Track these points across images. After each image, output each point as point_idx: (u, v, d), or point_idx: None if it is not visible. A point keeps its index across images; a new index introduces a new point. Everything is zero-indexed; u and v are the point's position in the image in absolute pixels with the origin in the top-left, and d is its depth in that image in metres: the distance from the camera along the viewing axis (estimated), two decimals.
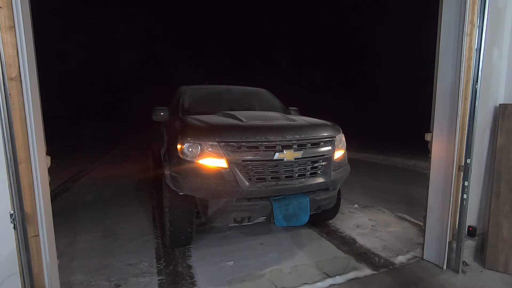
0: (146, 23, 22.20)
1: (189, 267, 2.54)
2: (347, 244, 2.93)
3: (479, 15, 2.17)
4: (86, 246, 2.94)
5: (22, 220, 1.53)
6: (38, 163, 1.59)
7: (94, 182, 5.75)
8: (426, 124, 2.59)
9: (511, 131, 2.39)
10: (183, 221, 2.70)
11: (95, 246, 2.94)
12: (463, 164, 2.30)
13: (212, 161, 2.40)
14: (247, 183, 2.36)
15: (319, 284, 2.26)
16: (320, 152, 2.64)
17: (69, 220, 3.58)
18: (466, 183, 2.28)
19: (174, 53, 23.30)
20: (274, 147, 2.45)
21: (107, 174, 6.51)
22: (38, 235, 1.63)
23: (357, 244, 2.94)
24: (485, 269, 2.44)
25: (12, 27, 1.46)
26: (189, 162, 2.43)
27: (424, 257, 2.60)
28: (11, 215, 1.51)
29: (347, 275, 2.35)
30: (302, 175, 2.55)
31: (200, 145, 2.41)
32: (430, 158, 2.53)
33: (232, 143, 2.39)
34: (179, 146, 2.49)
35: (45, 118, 1.74)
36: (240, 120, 2.71)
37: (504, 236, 2.40)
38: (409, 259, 2.62)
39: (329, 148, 2.71)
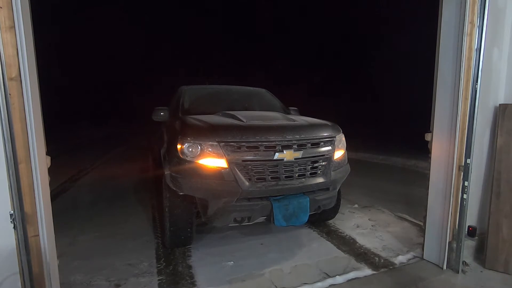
0: (146, 23, 22.24)
1: (189, 267, 2.54)
2: (347, 244, 2.93)
3: (479, 15, 2.17)
4: (86, 246, 2.94)
5: (22, 220, 1.53)
6: (38, 163, 1.59)
7: (94, 182, 5.75)
8: (426, 124, 2.59)
9: (511, 131, 2.39)
10: (183, 221, 2.70)
11: (95, 246, 2.94)
12: (463, 164, 2.30)
13: (212, 161, 2.39)
14: (247, 183, 2.36)
15: (319, 284, 2.26)
16: (320, 152, 2.64)
17: (69, 220, 3.58)
18: (466, 183, 2.28)
19: (174, 53, 23.33)
20: (274, 147, 2.45)
21: (107, 174, 6.51)
22: (38, 235, 1.63)
23: (357, 244, 2.94)
24: (485, 269, 2.44)
25: (12, 27, 1.47)
26: (189, 162, 2.43)
27: (424, 257, 2.60)
28: (11, 215, 1.51)
29: (347, 275, 2.35)
30: (302, 175, 2.55)
31: (200, 145, 2.41)
32: (430, 158, 2.52)
33: (232, 143, 2.38)
34: (179, 146, 2.49)
35: (45, 118, 1.74)
36: (240, 120, 2.71)
37: (504, 236, 2.40)
38: (409, 259, 2.62)
39: (329, 148, 2.70)
